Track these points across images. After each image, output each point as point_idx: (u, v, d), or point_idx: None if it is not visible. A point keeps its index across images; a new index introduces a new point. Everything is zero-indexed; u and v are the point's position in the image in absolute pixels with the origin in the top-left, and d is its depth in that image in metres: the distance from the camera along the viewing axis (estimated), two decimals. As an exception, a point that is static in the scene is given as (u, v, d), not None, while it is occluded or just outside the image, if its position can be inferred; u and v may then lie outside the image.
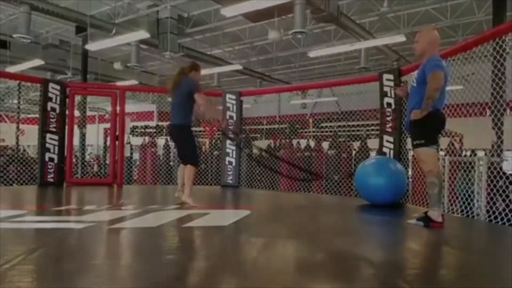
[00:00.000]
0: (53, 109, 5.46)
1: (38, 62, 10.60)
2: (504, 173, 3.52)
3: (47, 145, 5.41)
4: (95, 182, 5.96)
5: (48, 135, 5.43)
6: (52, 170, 5.44)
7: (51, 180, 5.41)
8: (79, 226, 2.64)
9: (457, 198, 3.72)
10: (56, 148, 5.48)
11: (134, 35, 8.80)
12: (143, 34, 8.58)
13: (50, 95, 5.43)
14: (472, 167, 3.52)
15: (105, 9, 9.77)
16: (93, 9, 9.13)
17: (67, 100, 5.57)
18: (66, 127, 5.58)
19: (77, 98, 6.49)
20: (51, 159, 5.43)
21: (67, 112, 5.57)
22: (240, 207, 4.22)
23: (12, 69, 10.40)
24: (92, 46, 9.30)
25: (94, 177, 8.05)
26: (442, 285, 1.67)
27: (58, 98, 5.50)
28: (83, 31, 9.31)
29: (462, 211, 3.54)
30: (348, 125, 6.56)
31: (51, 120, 5.45)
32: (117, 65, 14.91)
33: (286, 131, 7.04)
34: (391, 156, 4.39)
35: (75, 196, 4.77)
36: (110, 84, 12.07)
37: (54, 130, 5.46)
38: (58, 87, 5.52)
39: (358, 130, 6.43)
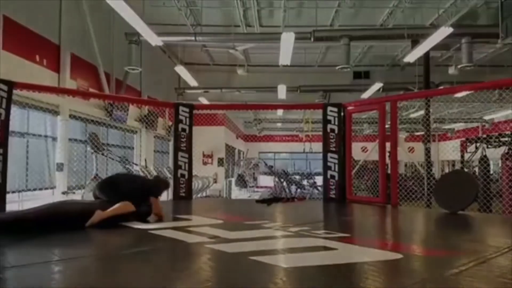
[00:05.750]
0: (332, 130, 5.91)
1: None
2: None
3: (328, 163, 5.91)
4: (370, 200, 5.80)
5: (329, 154, 5.92)
6: (334, 186, 5.86)
7: (333, 196, 5.84)
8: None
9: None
10: (337, 166, 5.87)
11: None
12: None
13: (328, 117, 5.95)
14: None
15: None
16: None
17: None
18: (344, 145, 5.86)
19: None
20: (332, 177, 5.87)
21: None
22: (381, 244, 2.86)
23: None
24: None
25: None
26: None
27: (337, 119, 5.90)
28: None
29: None
30: None
31: (331, 140, 5.91)
32: (451, 70, 13.83)
33: None
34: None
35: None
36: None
37: (334, 149, 5.89)
38: (335, 109, 5.92)
39: None
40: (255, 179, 17.90)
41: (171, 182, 6.20)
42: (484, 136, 9.51)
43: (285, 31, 8.54)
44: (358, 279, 2.08)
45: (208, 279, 2.08)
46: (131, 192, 3.69)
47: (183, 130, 6.10)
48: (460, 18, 9.82)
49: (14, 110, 5.03)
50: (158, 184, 4.12)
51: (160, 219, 3.81)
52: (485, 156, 7.50)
